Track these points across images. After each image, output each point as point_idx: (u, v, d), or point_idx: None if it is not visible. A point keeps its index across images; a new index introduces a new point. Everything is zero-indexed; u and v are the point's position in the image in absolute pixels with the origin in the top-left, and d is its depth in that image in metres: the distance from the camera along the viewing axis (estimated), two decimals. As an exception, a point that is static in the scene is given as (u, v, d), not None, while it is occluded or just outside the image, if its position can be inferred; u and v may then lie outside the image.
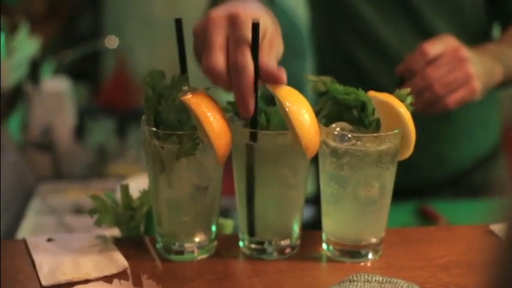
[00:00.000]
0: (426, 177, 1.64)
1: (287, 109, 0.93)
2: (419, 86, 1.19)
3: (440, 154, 1.62)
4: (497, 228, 1.08)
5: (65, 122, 2.00)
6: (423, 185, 1.64)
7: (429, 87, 1.19)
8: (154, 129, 0.94)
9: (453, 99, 1.20)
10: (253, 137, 0.95)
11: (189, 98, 0.93)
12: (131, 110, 2.59)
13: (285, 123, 0.96)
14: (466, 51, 1.21)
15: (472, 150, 1.66)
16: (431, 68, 1.19)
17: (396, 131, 0.96)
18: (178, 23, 0.99)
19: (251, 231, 0.99)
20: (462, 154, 1.65)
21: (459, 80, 1.20)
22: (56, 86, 2.05)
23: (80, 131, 2.02)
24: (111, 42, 2.86)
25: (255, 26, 0.90)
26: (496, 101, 1.68)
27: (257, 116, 0.95)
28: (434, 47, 1.20)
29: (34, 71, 1.98)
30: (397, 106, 0.95)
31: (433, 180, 1.65)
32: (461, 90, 1.20)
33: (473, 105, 1.57)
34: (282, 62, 0.99)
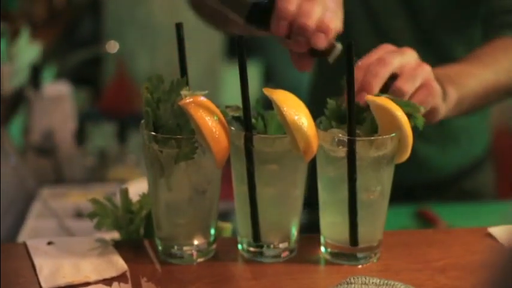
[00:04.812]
0: (411, 180, 1.64)
1: (284, 113, 0.94)
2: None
3: (426, 158, 1.63)
4: (495, 231, 1.09)
5: (65, 126, 2.01)
6: (412, 187, 1.65)
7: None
8: (153, 133, 0.95)
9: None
10: (250, 140, 0.96)
11: (187, 102, 0.94)
12: (132, 114, 2.60)
13: (282, 128, 0.97)
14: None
15: (458, 157, 1.66)
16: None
17: (393, 134, 0.97)
18: (179, 27, 1.01)
19: (256, 237, 1.00)
20: (447, 160, 1.65)
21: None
22: (57, 91, 2.06)
23: (80, 136, 2.03)
24: (112, 47, 2.87)
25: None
26: (484, 112, 1.67)
27: (251, 119, 0.96)
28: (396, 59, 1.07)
29: (35, 75, 1.99)
30: (394, 110, 0.96)
31: (419, 183, 1.66)
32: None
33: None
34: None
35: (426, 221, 1.64)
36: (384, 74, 1.02)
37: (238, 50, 0.94)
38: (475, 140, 1.68)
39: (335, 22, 1.03)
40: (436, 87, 1.06)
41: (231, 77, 3.45)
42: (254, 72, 3.56)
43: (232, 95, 3.08)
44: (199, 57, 3.22)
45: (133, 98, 2.88)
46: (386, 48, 1.06)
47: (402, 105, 0.98)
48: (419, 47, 1.31)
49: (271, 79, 3.62)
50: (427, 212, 1.64)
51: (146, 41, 3.28)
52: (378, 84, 1.01)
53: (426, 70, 1.06)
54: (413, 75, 1.03)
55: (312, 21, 1.02)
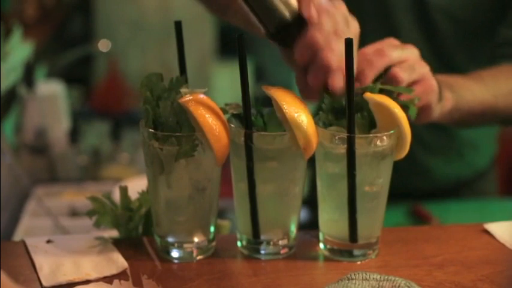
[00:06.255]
0: (411, 187, 1.65)
1: (284, 110, 0.95)
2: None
3: (429, 167, 1.63)
4: (491, 227, 1.10)
5: (59, 125, 2.01)
6: (411, 193, 1.65)
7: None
8: (153, 131, 0.95)
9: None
10: (250, 138, 0.97)
11: (187, 100, 0.94)
12: (124, 112, 2.60)
13: (281, 125, 0.98)
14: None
15: (461, 169, 1.67)
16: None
17: (392, 131, 0.97)
18: (178, 25, 1.01)
19: (256, 234, 1.00)
20: (450, 171, 1.66)
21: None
22: (50, 90, 2.05)
23: (73, 134, 2.03)
24: (104, 45, 2.87)
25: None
26: (492, 126, 1.68)
27: (251, 117, 0.97)
28: (394, 52, 1.06)
29: (28, 74, 1.98)
30: (392, 107, 0.97)
31: (418, 190, 1.67)
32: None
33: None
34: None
35: (419, 219, 1.65)
36: (379, 65, 1.01)
37: (239, 48, 0.95)
38: (480, 153, 1.68)
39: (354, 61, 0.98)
40: (434, 84, 1.06)
41: (222, 76, 3.45)
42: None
43: (224, 94, 3.08)
44: (191, 56, 3.22)
45: (125, 96, 2.88)
46: (389, 41, 1.06)
47: (398, 90, 0.98)
48: (432, 60, 1.33)
49: (261, 78, 3.63)
50: (420, 210, 1.65)
51: (137, 39, 3.28)
52: (371, 74, 1.01)
53: (425, 67, 1.06)
54: (411, 67, 1.03)
55: (335, 61, 0.97)
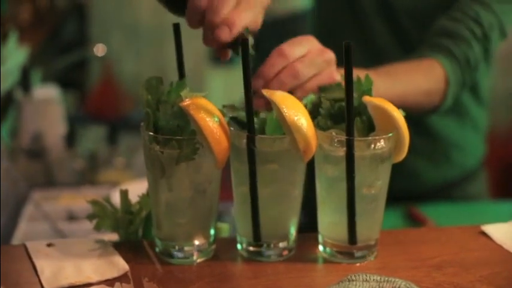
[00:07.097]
0: (401, 189, 1.65)
1: (284, 114, 0.95)
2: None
3: (415, 169, 1.64)
4: (489, 228, 1.11)
5: (55, 129, 2.02)
6: (399, 195, 1.66)
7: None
8: (154, 134, 0.96)
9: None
10: (252, 141, 0.97)
11: (188, 103, 0.95)
12: (119, 117, 2.61)
13: (281, 129, 0.99)
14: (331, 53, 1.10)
15: (448, 171, 1.67)
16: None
17: (390, 134, 0.98)
18: (176, 27, 1.01)
19: (257, 237, 1.01)
20: (437, 173, 1.67)
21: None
22: (46, 94, 2.06)
23: (70, 138, 2.03)
24: (99, 50, 2.87)
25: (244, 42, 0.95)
26: (478, 128, 1.68)
27: (254, 120, 0.97)
28: (295, 50, 1.07)
29: (24, 78, 1.99)
30: (391, 110, 0.98)
31: (406, 192, 1.67)
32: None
33: (454, 130, 1.60)
34: None
35: (414, 221, 1.66)
36: (281, 66, 1.03)
37: (242, 52, 0.95)
38: (467, 154, 1.68)
39: (245, 16, 1.02)
40: (335, 76, 1.08)
41: (215, 79, 3.45)
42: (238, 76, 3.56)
43: (217, 97, 3.08)
44: (184, 60, 3.23)
45: (120, 101, 2.89)
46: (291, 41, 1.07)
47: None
48: (403, 55, 1.34)
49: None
50: (415, 212, 1.66)
51: (132, 44, 3.28)
52: (271, 75, 1.03)
53: (328, 59, 1.07)
54: (312, 61, 1.05)
55: (218, 17, 1.01)
